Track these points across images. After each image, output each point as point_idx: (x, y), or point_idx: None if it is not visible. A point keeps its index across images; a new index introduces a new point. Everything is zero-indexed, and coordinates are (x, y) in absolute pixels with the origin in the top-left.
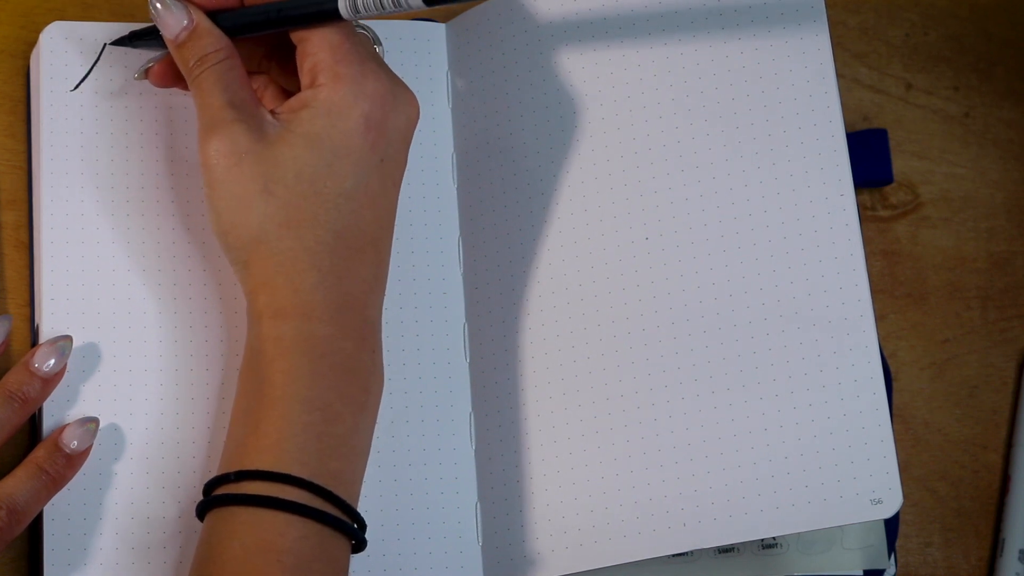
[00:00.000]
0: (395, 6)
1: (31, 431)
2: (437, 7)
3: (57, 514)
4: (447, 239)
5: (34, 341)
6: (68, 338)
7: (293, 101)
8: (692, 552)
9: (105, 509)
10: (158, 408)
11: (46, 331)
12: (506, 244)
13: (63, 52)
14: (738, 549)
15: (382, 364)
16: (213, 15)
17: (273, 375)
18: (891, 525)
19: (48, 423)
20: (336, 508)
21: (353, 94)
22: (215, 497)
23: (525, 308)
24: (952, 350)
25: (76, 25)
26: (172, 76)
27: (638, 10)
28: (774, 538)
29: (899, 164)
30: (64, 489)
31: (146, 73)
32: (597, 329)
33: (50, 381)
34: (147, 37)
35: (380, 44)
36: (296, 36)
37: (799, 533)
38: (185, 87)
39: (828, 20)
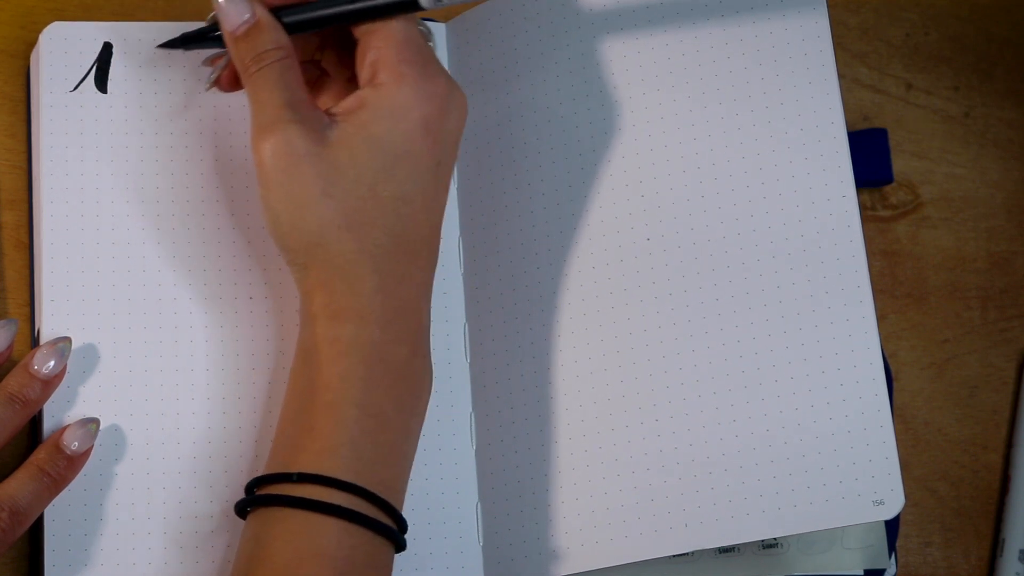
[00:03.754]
0: None
1: (31, 432)
2: None
3: (57, 515)
4: (447, 239)
5: (34, 342)
6: (67, 339)
7: (351, 100)
8: (693, 552)
9: (105, 510)
10: (159, 408)
11: (46, 331)
12: (506, 244)
13: (63, 52)
14: (739, 549)
15: (432, 368)
16: (278, 11)
17: (329, 378)
18: (891, 525)
19: (48, 424)
20: (387, 516)
21: (415, 96)
22: (269, 496)
23: (525, 308)
24: (952, 350)
25: (76, 25)
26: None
27: (639, 11)
28: (775, 538)
29: (899, 164)
30: (64, 490)
31: (216, 81)
32: (598, 329)
33: (50, 383)
34: (198, 41)
35: (433, 40)
36: (359, 29)
37: (800, 533)
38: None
39: (829, 20)
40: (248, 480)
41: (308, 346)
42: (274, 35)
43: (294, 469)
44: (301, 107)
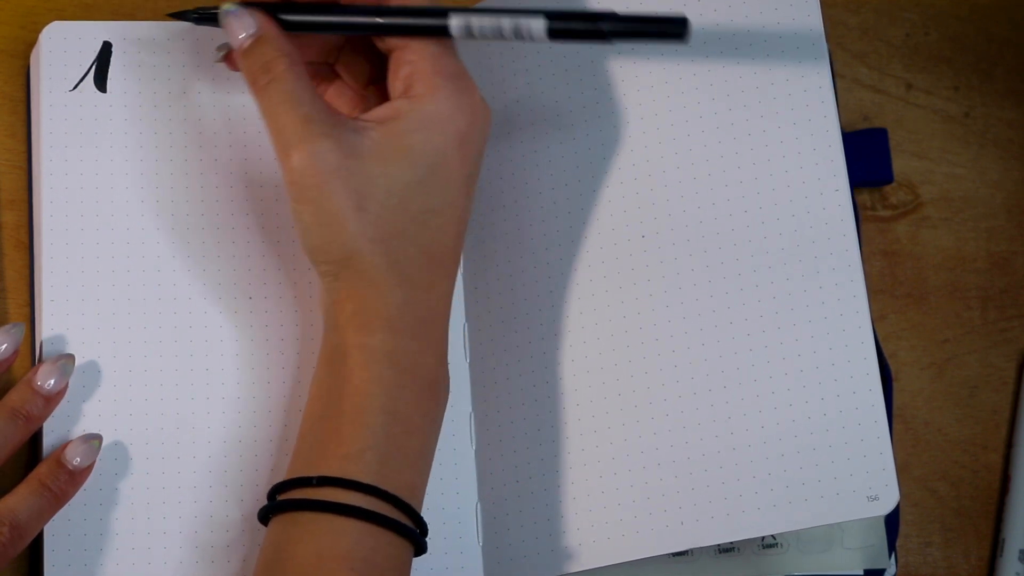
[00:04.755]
0: (515, 36)
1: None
2: (560, 42)
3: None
4: None
5: (34, 342)
6: (70, 357)
7: (384, 110)
8: (692, 551)
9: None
10: (158, 408)
11: (46, 331)
12: (506, 244)
13: (63, 52)
14: (738, 548)
15: (448, 374)
16: (315, 8)
17: (358, 384)
18: (891, 525)
19: (49, 439)
20: (407, 518)
21: (451, 109)
22: (289, 501)
23: (525, 308)
24: (952, 350)
25: (76, 25)
26: None
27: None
28: (774, 537)
29: (899, 164)
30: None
31: (224, 57)
32: (595, 328)
33: (52, 399)
34: (210, 20)
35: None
36: (390, 42)
37: (799, 533)
38: None
39: (828, 20)
40: (265, 486)
41: (335, 353)
42: (278, 45)
43: (316, 473)
44: (323, 119)
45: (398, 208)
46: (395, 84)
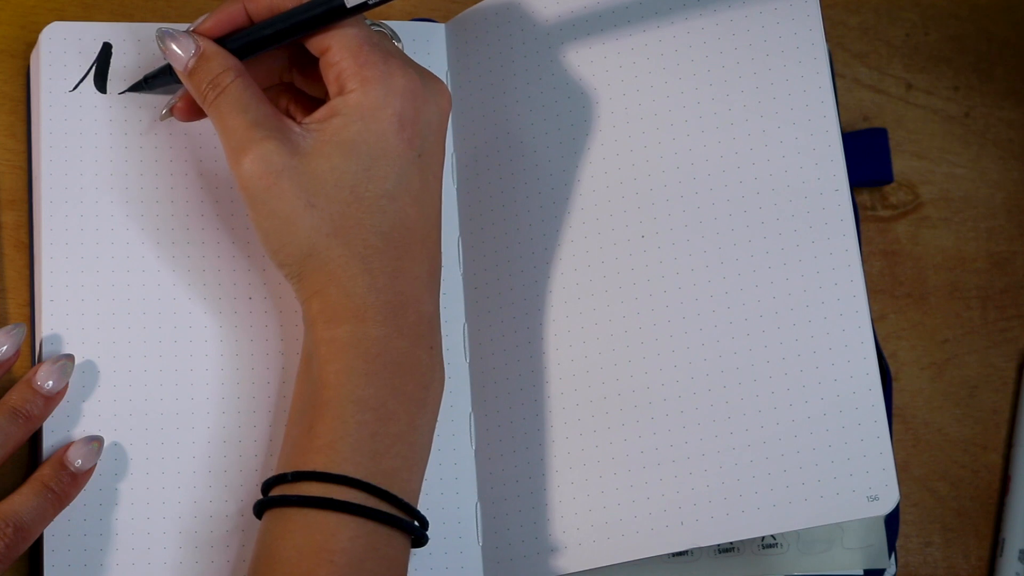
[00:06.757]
0: None
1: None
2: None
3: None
4: (447, 239)
5: (34, 342)
6: (70, 357)
7: (323, 111)
8: (692, 552)
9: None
10: (158, 408)
11: (46, 332)
12: (506, 244)
13: (63, 52)
14: (738, 549)
15: (442, 360)
16: (225, 39)
17: (327, 376)
18: (891, 525)
19: (49, 438)
20: (392, 506)
21: (383, 94)
22: (270, 498)
23: (525, 308)
24: (952, 350)
25: (76, 25)
26: (196, 110)
27: (634, 8)
28: (774, 537)
29: (899, 164)
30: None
31: (171, 111)
32: (595, 328)
33: (52, 399)
34: (159, 78)
35: (399, 40)
36: (316, 48)
37: (799, 533)
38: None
39: (828, 20)
40: (261, 482)
41: (309, 349)
42: (221, 59)
43: (298, 467)
44: (268, 123)
45: (350, 199)
46: (330, 88)
